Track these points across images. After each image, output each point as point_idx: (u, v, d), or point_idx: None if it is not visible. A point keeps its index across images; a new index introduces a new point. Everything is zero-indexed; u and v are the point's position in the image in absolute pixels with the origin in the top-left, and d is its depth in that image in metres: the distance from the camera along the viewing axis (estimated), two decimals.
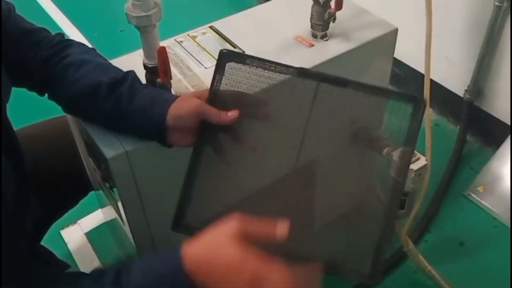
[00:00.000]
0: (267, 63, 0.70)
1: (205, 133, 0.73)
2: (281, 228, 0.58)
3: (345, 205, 0.84)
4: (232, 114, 0.70)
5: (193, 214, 0.70)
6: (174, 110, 0.75)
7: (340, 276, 0.65)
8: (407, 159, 0.67)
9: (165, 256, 0.61)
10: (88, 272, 0.65)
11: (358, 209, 0.88)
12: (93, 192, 1.15)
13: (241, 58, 0.71)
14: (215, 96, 0.72)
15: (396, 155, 1.05)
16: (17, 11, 0.83)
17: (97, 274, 0.63)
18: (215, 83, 0.72)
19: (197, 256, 0.59)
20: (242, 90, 0.72)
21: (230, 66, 0.71)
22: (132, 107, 0.78)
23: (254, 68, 0.70)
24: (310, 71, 0.71)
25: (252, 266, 0.56)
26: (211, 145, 0.73)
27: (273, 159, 0.72)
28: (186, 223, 0.70)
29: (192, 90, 0.95)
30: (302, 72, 0.70)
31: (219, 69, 0.72)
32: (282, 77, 0.71)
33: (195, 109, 0.73)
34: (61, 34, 0.88)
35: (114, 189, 0.90)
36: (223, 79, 0.72)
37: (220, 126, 0.72)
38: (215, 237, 0.59)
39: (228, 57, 0.72)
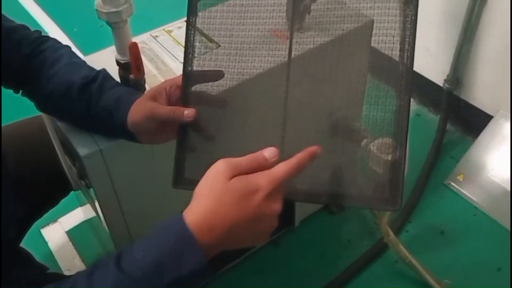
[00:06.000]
0: None
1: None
2: (270, 152, 0.57)
3: None
4: (188, 113, 0.66)
5: (192, 167, 0.67)
6: (131, 117, 0.74)
7: (356, 207, 0.58)
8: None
9: (166, 227, 0.54)
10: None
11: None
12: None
13: None
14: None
15: (374, 146, 1.06)
16: None
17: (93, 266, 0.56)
18: (190, 28, 0.69)
19: (197, 214, 0.53)
20: (216, 26, 0.69)
21: (202, 3, 0.69)
22: (99, 108, 0.77)
23: None
24: None
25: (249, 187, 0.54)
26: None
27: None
28: (186, 178, 0.67)
29: None
30: None
31: (192, 10, 0.69)
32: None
33: (147, 115, 0.71)
34: (39, 31, 0.87)
35: (91, 188, 0.89)
36: (197, 20, 0.69)
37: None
38: (205, 185, 0.55)
39: None
